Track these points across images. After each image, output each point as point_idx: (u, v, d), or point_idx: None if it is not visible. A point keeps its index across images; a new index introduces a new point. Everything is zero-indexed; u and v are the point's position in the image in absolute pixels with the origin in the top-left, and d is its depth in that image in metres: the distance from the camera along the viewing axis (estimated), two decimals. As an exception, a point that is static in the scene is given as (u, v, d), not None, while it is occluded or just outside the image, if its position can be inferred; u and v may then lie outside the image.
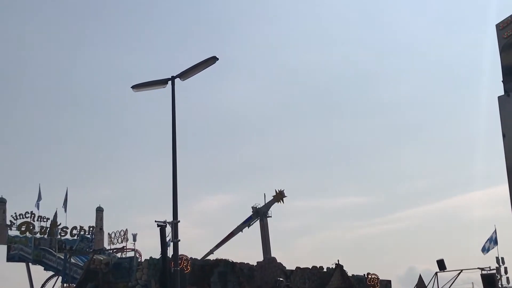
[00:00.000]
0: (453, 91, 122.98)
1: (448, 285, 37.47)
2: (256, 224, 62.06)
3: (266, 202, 60.37)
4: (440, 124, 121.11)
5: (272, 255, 54.44)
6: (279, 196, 59.52)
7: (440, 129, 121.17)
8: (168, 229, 19.18)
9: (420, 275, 34.35)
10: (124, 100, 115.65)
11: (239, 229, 60.01)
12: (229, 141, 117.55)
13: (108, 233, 49.53)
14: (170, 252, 18.90)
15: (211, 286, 23.36)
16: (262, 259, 34.27)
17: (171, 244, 18.61)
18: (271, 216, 62.84)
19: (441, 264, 35.94)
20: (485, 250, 44.47)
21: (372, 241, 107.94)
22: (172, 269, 17.40)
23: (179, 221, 17.91)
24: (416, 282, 34.84)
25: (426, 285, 34.97)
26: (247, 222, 60.09)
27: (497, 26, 7.37)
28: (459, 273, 36.34)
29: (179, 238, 17.88)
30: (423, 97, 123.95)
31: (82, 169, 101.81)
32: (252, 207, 61.38)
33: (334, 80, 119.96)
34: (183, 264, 22.46)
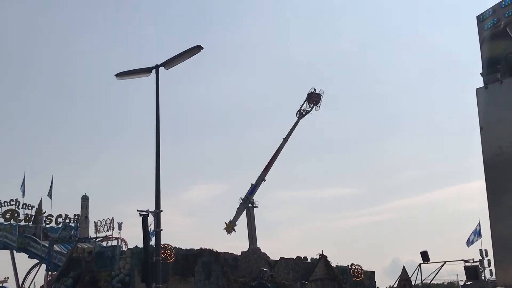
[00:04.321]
0: (436, 84, 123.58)
1: (432, 276, 37.72)
2: (242, 215, 62.01)
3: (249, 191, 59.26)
4: (424, 117, 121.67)
5: (258, 245, 54.49)
6: (229, 227, 57.98)
7: (424, 122, 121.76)
8: (152, 219, 19.12)
9: (403, 267, 34.55)
10: (110, 88, 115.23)
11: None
12: (217, 132, 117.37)
13: (94, 222, 49.22)
14: (154, 241, 18.85)
15: (195, 275, 23.28)
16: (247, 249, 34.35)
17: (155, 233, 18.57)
18: (257, 206, 62.92)
19: (424, 256, 36.12)
20: (469, 242, 44.62)
21: (357, 232, 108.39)
22: (154, 258, 17.34)
23: (161, 211, 17.87)
24: (400, 273, 35.00)
25: (410, 276, 35.15)
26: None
27: (478, 18, 7.33)
28: (443, 265, 36.57)
29: (161, 228, 17.85)
30: (407, 90, 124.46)
31: (67, 158, 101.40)
32: (241, 198, 60.95)
33: (319, 72, 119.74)
34: (166, 254, 22.34)
